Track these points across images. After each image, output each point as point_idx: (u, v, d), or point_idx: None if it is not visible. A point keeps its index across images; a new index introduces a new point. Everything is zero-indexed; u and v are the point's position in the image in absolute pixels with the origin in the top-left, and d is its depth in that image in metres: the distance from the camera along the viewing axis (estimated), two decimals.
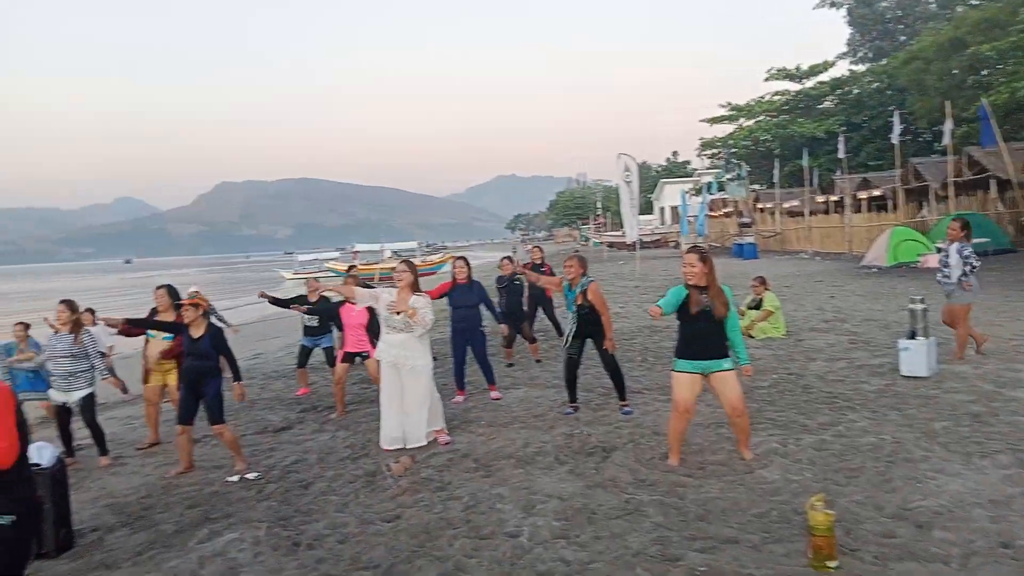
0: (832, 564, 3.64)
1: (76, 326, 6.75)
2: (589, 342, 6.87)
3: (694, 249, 5.32)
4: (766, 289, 10.90)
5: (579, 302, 6.67)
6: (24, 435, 2.89)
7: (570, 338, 6.81)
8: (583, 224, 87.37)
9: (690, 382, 5.27)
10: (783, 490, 4.73)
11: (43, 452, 4.89)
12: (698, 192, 46.89)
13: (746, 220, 36.86)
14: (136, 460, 6.91)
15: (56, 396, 6.77)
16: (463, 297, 7.83)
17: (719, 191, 42.90)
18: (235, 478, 5.96)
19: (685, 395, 5.27)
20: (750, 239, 33.05)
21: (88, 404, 6.79)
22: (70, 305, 6.85)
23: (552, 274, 11.15)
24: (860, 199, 29.38)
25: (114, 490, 5.99)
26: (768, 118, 47.24)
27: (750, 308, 10.73)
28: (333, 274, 42.99)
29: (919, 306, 7.61)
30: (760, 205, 40.04)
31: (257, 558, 4.36)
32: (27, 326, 8.65)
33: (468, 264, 8.07)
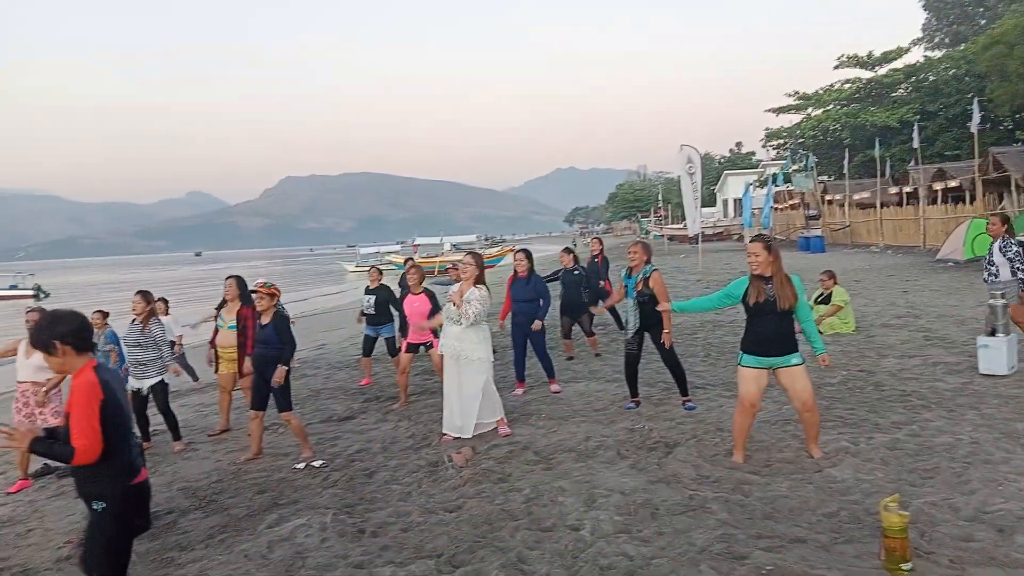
0: (906, 567, 3.52)
1: (149, 316, 7.01)
2: (648, 337, 6.80)
3: (758, 238, 5.19)
4: (835, 283, 10.58)
5: (639, 288, 6.60)
6: (121, 425, 2.99)
7: (632, 332, 6.74)
8: (642, 217, 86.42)
9: (755, 377, 5.16)
10: (854, 489, 4.59)
11: None
12: (763, 184, 45.80)
13: (813, 212, 35.84)
14: (207, 446, 7.15)
15: (131, 383, 7.06)
16: (522, 291, 7.84)
17: (785, 183, 41.81)
18: (301, 465, 6.11)
19: (750, 390, 5.16)
20: (817, 232, 32.14)
21: (160, 391, 7.06)
22: (145, 296, 7.12)
23: (606, 265, 11.10)
24: (935, 190, 28.19)
25: (187, 474, 6.22)
26: (838, 107, 45.71)
27: (818, 303, 10.43)
28: (393, 267, 43.71)
29: (999, 302, 7.27)
30: (828, 197, 38.84)
31: (324, 544, 4.47)
32: (105, 315, 9.05)
33: (529, 257, 8.06)
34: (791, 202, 43.44)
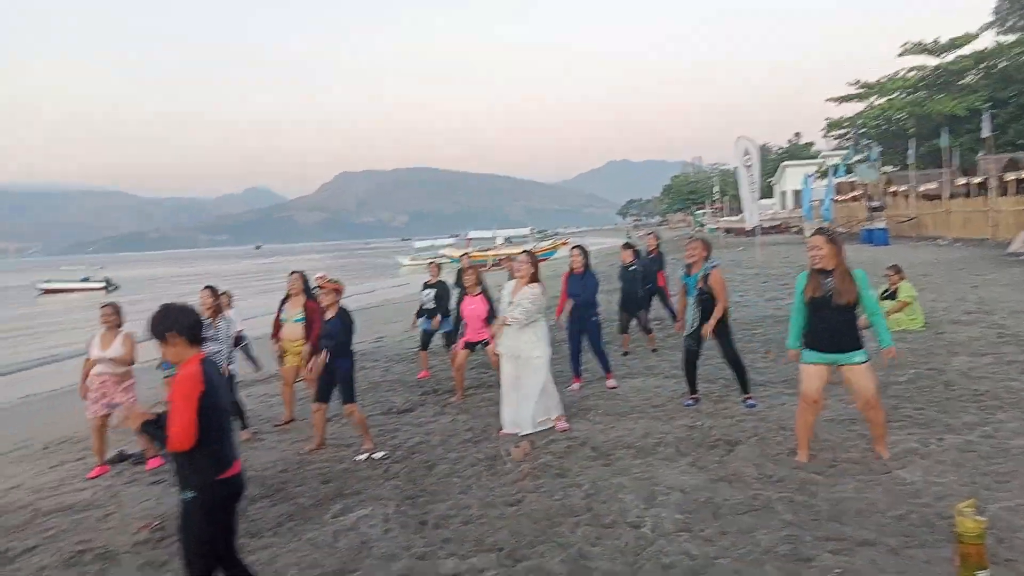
0: (982, 574, 3.41)
1: (216, 312, 7.22)
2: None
3: (820, 231, 5.08)
4: (901, 278, 10.26)
5: (700, 286, 6.53)
6: (217, 419, 3.08)
7: (693, 328, 6.66)
8: (697, 209, 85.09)
9: (817, 373, 5.06)
10: (924, 492, 4.47)
11: None
12: (823, 175, 44.56)
13: (876, 204, 34.72)
14: (273, 436, 7.36)
15: None
16: (577, 286, 7.83)
17: (847, 174, 40.60)
18: (363, 457, 6.24)
19: (812, 386, 5.07)
20: (881, 224, 31.13)
21: (228, 382, 7.27)
22: (212, 291, 7.34)
23: (662, 260, 11.01)
24: (1007, 181, 27.03)
25: (254, 463, 6.40)
26: (902, 95, 44.15)
27: (884, 298, 10.13)
28: (447, 260, 44.10)
29: None
30: (892, 188, 37.61)
31: (387, 534, 4.56)
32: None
33: (585, 254, 8.04)
34: (853, 194, 42.14)
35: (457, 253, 46.17)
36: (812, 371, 5.06)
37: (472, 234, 58.97)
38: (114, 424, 6.65)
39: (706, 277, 6.51)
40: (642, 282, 9.63)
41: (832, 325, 4.94)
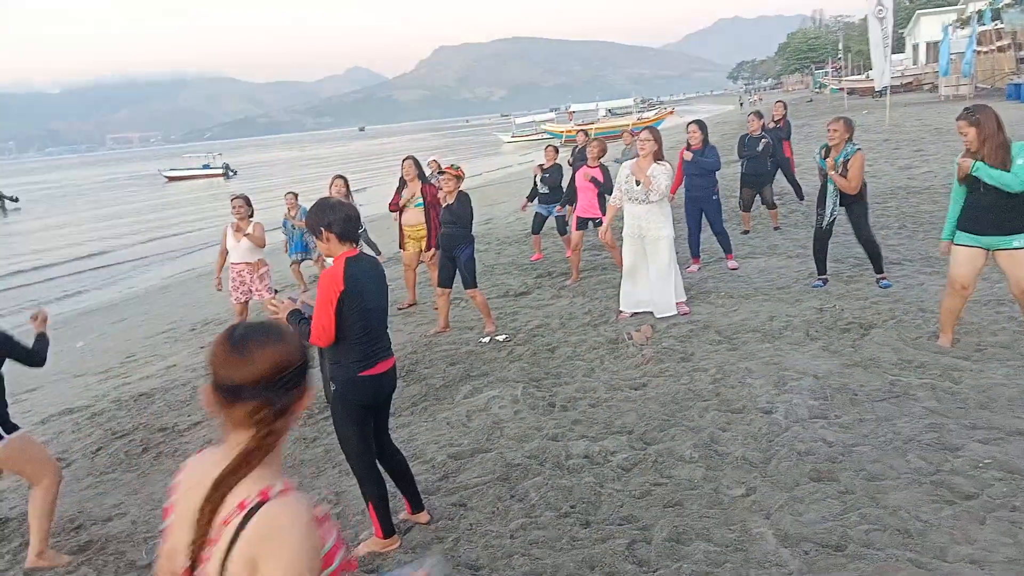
0: None
1: (348, 198, 7.42)
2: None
3: (964, 114, 4.56)
4: None
5: (839, 171, 6.10)
6: (360, 318, 3.10)
7: (831, 210, 6.28)
8: (817, 69, 78.89)
9: (970, 257, 4.70)
10: None
11: None
12: (965, 23, 39.99)
13: None
14: (398, 318, 7.66)
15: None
16: (695, 164, 7.50)
17: (993, 20, 36.24)
18: (486, 339, 6.43)
19: (964, 272, 4.72)
20: None
21: None
22: (344, 180, 7.56)
23: (789, 129, 10.35)
24: None
25: None
26: None
27: None
28: (549, 135, 43.18)
29: None
30: None
31: (517, 415, 4.73)
32: (296, 195, 9.72)
33: (703, 128, 7.63)
34: (999, 44, 37.75)
35: (560, 128, 45.21)
36: (964, 254, 4.70)
37: (574, 107, 57.33)
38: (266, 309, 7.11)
39: (846, 162, 6.06)
40: (770, 154, 9.09)
41: (986, 205, 4.52)
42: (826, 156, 6.19)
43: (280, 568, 1.24)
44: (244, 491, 1.31)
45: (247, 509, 1.29)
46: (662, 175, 6.09)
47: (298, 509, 1.31)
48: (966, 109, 4.64)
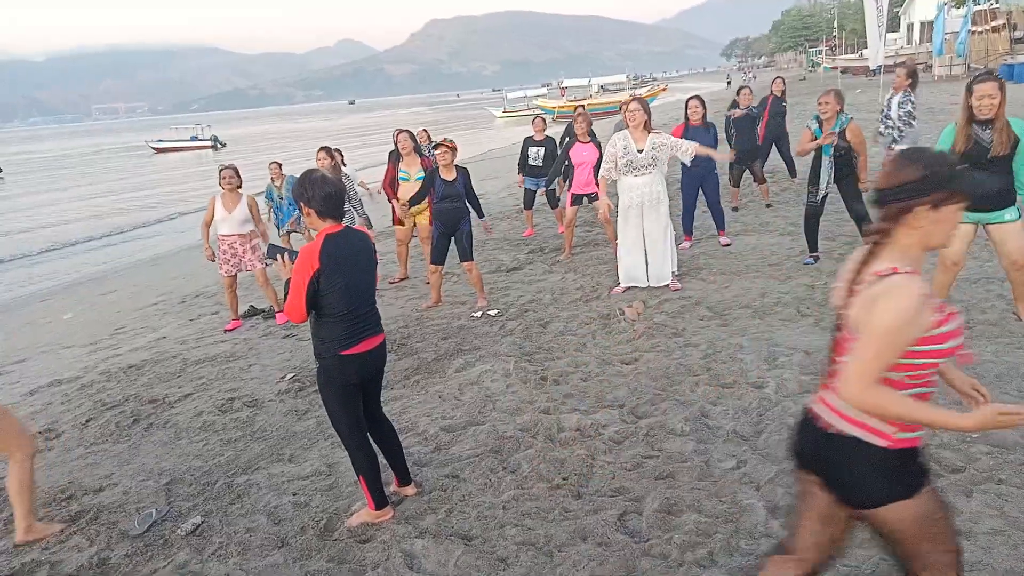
0: None
1: (335, 170, 7.34)
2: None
3: (989, 76, 4.53)
4: None
5: (834, 143, 6.11)
6: (337, 297, 3.05)
7: (825, 186, 6.29)
8: (811, 47, 78.55)
9: (962, 234, 4.71)
10: None
11: None
12: (960, 3, 39.84)
13: (1022, 35, 30.98)
14: (390, 292, 7.65)
15: None
16: (699, 139, 7.46)
17: (987, 1, 36.13)
18: (478, 314, 6.43)
19: (956, 248, 4.73)
20: None
21: None
22: (328, 152, 7.44)
23: (785, 106, 10.31)
24: None
25: None
26: None
27: None
28: (541, 111, 42.91)
29: None
30: None
31: (509, 388, 4.75)
32: (280, 165, 9.60)
33: (703, 104, 7.60)
34: (994, 23, 37.66)
35: (552, 104, 44.91)
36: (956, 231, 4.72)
37: (566, 82, 56.91)
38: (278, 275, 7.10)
39: (842, 132, 6.08)
40: (757, 127, 9.09)
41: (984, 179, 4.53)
42: (820, 127, 6.21)
43: (880, 312, 1.73)
44: (880, 265, 1.81)
45: (880, 276, 1.78)
46: (667, 145, 6.16)
47: (912, 284, 1.74)
48: (988, 72, 4.61)
